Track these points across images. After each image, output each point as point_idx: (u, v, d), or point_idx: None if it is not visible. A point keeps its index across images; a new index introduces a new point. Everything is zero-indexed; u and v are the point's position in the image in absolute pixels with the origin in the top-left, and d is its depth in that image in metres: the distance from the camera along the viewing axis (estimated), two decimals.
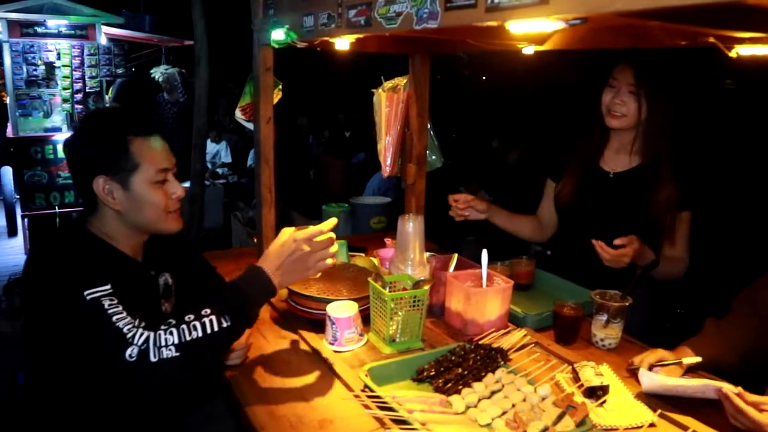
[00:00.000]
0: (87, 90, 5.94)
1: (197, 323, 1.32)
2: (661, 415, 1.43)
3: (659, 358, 1.57)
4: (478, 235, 5.06)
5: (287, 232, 1.49)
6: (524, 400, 1.46)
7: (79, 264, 1.36)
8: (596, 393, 1.51)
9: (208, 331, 1.32)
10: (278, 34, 1.75)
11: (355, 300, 1.82)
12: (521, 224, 2.38)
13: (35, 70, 5.68)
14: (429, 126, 2.40)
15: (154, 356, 1.26)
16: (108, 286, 1.33)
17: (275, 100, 2.12)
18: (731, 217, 5.08)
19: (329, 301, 1.80)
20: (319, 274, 1.53)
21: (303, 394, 1.52)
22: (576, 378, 1.58)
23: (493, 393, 1.50)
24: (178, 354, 1.28)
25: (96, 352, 1.29)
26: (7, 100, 5.76)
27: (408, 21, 1.15)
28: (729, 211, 5.21)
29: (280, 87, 2.16)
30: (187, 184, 4.39)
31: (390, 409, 1.37)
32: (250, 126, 2.16)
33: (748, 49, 1.31)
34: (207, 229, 5.65)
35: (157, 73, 6.22)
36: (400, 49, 2.25)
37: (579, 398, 1.48)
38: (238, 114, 2.16)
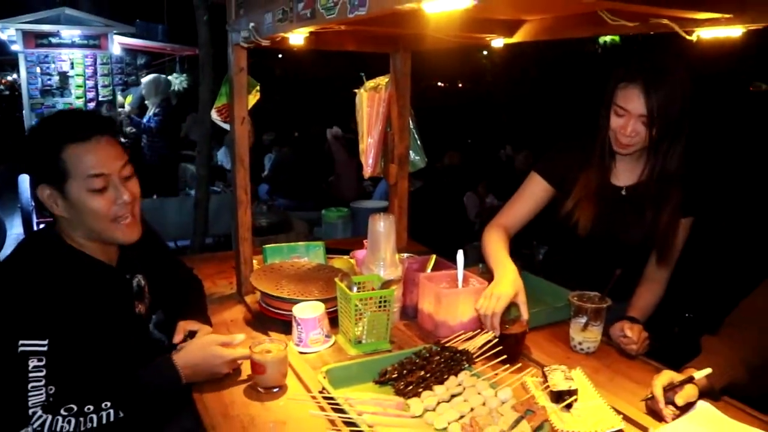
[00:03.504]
0: (100, 99, 6.06)
1: (94, 416, 1.34)
2: (625, 418, 1.38)
3: (669, 380, 1.44)
4: None
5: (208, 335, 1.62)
6: (484, 404, 1.41)
7: (29, 305, 1.35)
8: (563, 397, 1.45)
9: (104, 421, 1.34)
10: (245, 33, 1.74)
11: (324, 301, 1.79)
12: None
13: (50, 79, 5.81)
14: (412, 125, 2.36)
15: None
16: (45, 342, 1.33)
17: (252, 102, 2.11)
18: (742, 219, 4.94)
19: (299, 302, 1.77)
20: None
21: (259, 395, 1.49)
22: (546, 382, 1.53)
23: (453, 396, 1.45)
24: None
25: None
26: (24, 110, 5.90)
27: (343, 10, 1.14)
28: (741, 213, 5.06)
29: (258, 88, 2.15)
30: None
31: (343, 411, 1.34)
32: (226, 126, 2.15)
33: (708, 32, 1.25)
34: (218, 235, 5.67)
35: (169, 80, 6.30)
36: (380, 47, 2.22)
37: (543, 402, 1.43)
38: (214, 115, 2.16)
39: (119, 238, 1.50)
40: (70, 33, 5.80)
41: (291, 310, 1.76)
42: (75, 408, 1.33)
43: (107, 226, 1.47)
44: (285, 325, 1.82)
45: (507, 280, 1.76)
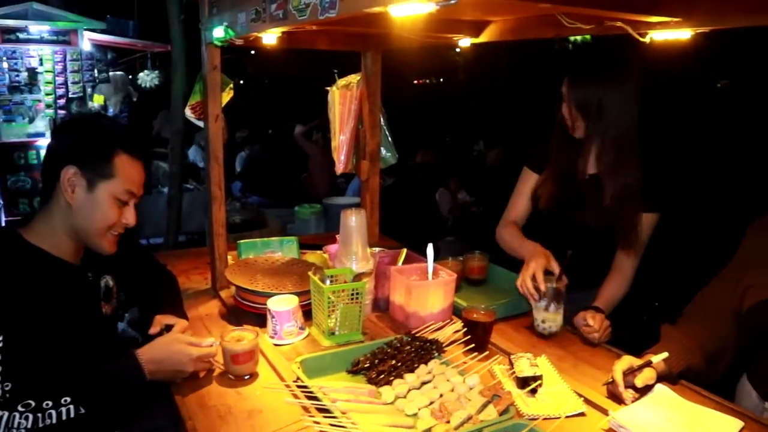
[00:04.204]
0: (70, 95, 5.97)
1: (53, 412, 1.33)
2: (587, 401, 1.46)
3: (629, 364, 1.52)
4: (458, 234, 5.10)
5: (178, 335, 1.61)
6: (452, 390, 1.47)
7: None
8: (528, 383, 1.52)
9: (63, 417, 1.34)
10: (218, 32, 1.77)
11: (298, 294, 1.83)
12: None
13: (17, 75, 5.70)
14: (383, 122, 2.41)
15: None
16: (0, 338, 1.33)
17: (226, 100, 2.14)
18: (712, 212, 5.10)
19: (273, 296, 1.81)
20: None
21: (235, 385, 1.53)
22: (512, 369, 1.59)
23: (423, 384, 1.51)
24: None
25: None
26: None
27: (314, 12, 1.18)
28: (710, 207, 5.23)
29: (231, 86, 2.17)
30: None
31: (316, 398, 1.39)
32: (200, 124, 2.18)
33: (660, 34, 1.33)
34: (191, 232, 5.66)
35: (140, 77, 6.25)
36: (351, 46, 2.27)
37: (509, 388, 1.50)
38: (188, 112, 2.18)
39: (103, 246, 1.55)
40: (38, 28, 5.70)
41: (266, 304, 1.80)
42: (33, 404, 1.31)
43: (103, 233, 1.52)
44: (260, 319, 1.85)
45: (537, 251, 1.93)
